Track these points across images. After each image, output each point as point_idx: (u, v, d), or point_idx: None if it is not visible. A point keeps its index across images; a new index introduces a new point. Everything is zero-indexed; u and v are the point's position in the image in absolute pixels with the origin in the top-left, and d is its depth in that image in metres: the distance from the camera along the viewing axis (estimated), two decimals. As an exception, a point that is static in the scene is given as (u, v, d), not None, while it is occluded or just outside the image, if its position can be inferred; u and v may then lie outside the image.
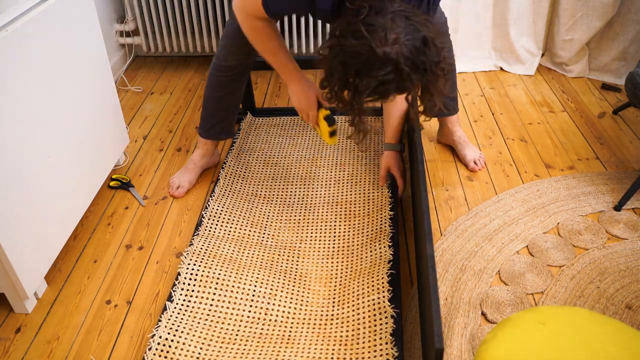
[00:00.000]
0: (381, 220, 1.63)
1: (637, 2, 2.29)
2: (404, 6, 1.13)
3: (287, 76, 1.55)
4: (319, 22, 2.47)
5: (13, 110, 1.29)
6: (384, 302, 1.36)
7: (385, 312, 1.34)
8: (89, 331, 1.38)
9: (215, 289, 1.43)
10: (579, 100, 2.33)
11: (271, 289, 1.44)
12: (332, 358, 1.27)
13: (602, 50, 2.44)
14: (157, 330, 1.32)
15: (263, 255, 1.55)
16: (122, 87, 2.51)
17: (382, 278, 1.42)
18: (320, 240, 1.62)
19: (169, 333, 1.31)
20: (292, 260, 1.55)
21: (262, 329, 1.35)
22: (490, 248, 1.58)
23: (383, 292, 1.38)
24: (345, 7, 1.17)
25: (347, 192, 1.78)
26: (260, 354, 1.28)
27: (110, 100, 1.80)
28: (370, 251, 1.51)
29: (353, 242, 1.59)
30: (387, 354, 1.26)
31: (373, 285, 1.42)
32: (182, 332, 1.32)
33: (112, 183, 1.86)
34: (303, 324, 1.37)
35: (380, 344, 1.28)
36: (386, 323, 1.32)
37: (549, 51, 2.62)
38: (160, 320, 1.34)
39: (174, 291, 1.41)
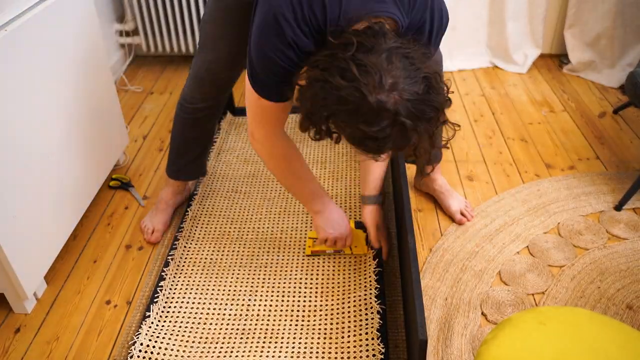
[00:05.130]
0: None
1: (638, 1, 2.28)
2: (400, 41, 0.93)
3: (320, 205, 1.40)
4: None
5: (12, 110, 1.29)
6: (370, 298, 1.37)
7: (371, 307, 1.35)
8: (88, 332, 1.38)
9: (196, 293, 1.44)
10: (579, 99, 2.33)
11: (252, 286, 1.46)
12: (317, 352, 1.28)
13: (602, 49, 2.43)
14: (137, 338, 1.32)
15: (243, 251, 1.57)
16: (122, 86, 2.51)
17: (370, 276, 1.43)
18: (300, 230, 1.63)
19: (150, 339, 1.30)
20: (273, 252, 1.56)
21: (244, 324, 1.36)
22: (491, 248, 1.58)
23: (370, 289, 1.40)
24: (328, 42, 0.98)
25: (328, 187, 1.80)
26: (244, 351, 1.29)
27: (110, 100, 1.80)
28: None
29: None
30: (373, 349, 1.26)
31: (360, 283, 1.43)
32: (163, 337, 1.32)
33: (112, 183, 1.86)
34: (286, 316, 1.37)
35: (367, 339, 1.29)
36: (372, 318, 1.33)
37: (549, 50, 2.62)
38: (140, 328, 1.34)
39: (154, 302, 1.42)
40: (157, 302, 1.41)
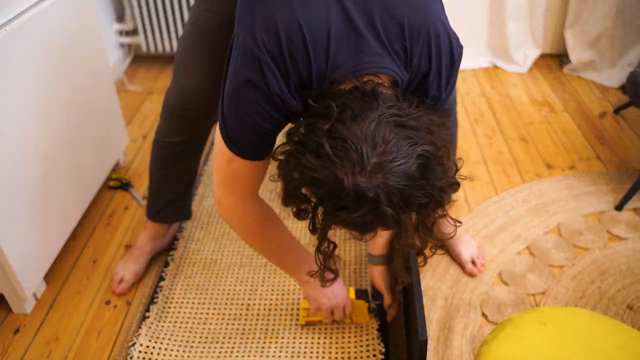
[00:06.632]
0: None
1: (638, 1, 2.28)
2: (397, 105, 0.77)
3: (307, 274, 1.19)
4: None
5: (12, 110, 1.29)
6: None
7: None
8: (88, 332, 1.38)
9: (195, 294, 1.44)
10: (580, 99, 2.32)
11: (251, 285, 1.46)
12: (317, 352, 1.28)
13: (602, 48, 2.43)
14: (137, 338, 1.31)
15: (243, 251, 1.57)
16: (121, 87, 2.50)
17: (369, 277, 1.43)
18: (301, 230, 1.62)
19: (149, 340, 1.30)
20: None
21: (244, 324, 1.36)
22: (492, 248, 1.58)
23: (368, 287, 1.40)
24: (309, 106, 0.83)
25: None
26: (244, 351, 1.28)
27: (110, 100, 1.80)
28: (354, 246, 1.51)
29: (335, 232, 1.60)
30: (373, 349, 1.26)
31: (360, 283, 1.42)
32: (163, 337, 1.32)
33: (111, 183, 1.86)
34: (286, 315, 1.37)
35: (367, 339, 1.29)
36: (372, 318, 1.33)
37: (549, 50, 2.62)
38: (140, 328, 1.34)
39: (154, 303, 1.42)
40: (156, 302, 1.41)
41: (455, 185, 0.82)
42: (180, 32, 2.51)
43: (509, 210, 1.72)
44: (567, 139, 2.07)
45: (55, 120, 1.47)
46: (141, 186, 1.87)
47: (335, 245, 0.90)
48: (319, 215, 0.82)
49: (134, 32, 2.61)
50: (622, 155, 1.97)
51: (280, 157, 0.83)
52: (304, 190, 0.80)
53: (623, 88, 2.37)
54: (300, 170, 0.76)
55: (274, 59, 0.83)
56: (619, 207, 1.70)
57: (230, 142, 0.93)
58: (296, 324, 1.34)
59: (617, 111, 2.21)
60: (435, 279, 1.48)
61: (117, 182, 1.86)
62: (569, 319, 0.94)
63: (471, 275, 1.49)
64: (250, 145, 0.93)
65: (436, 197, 0.77)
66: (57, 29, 1.47)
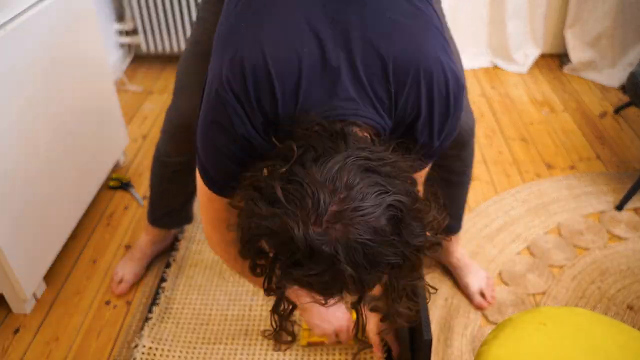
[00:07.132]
0: None
1: (638, 1, 2.28)
2: (370, 148, 0.68)
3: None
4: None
5: (11, 109, 1.29)
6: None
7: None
8: (88, 332, 1.38)
9: (197, 295, 1.44)
10: (580, 99, 2.32)
11: (254, 286, 1.45)
12: (320, 352, 1.27)
13: (603, 48, 2.43)
14: (140, 340, 1.31)
15: None
16: (121, 86, 2.50)
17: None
18: None
19: (152, 342, 1.30)
20: None
21: (247, 325, 1.35)
22: (492, 248, 1.58)
23: None
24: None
25: None
26: (248, 353, 1.28)
27: (110, 100, 1.79)
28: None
29: None
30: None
31: None
32: (165, 339, 1.32)
33: (111, 183, 1.85)
34: None
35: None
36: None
37: (549, 50, 2.62)
38: (142, 330, 1.34)
39: (156, 304, 1.42)
40: (158, 303, 1.41)
41: (436, 246, 0.70)
42: (181, 31, 2.51)
43: (509, 210, 1.72)
44: (567, 139, 2.07)
45: (54, 120, 1.47)
46: (141, 186, 1.87)
47: (294, 307, 0.80)
48: (277, 271, 0.69)
49: (134, 32, 2.61)
50: (622, 155, 1.96)
51: (238, 204, 0.73)
52: (261, 244, 0.70)
53: (623, 88, 2.36)
54: (252, 218, 0.67)
55: (238, 99, 0.76)
56: (619, 207, 1.70)
57: (203, 173, 0.86)
58: (299, 325, 1.34)
59: (617, 111, 2.21)
60: (436, 279, 1.48)
61: (117, 182, 1.86)
62: (569, 319, 0.94)
63: (479, 308, 1.40)
64: (219, 180, 0.85)
65: (410, 257, 0.66)
66: (57, 29, 1.47)
